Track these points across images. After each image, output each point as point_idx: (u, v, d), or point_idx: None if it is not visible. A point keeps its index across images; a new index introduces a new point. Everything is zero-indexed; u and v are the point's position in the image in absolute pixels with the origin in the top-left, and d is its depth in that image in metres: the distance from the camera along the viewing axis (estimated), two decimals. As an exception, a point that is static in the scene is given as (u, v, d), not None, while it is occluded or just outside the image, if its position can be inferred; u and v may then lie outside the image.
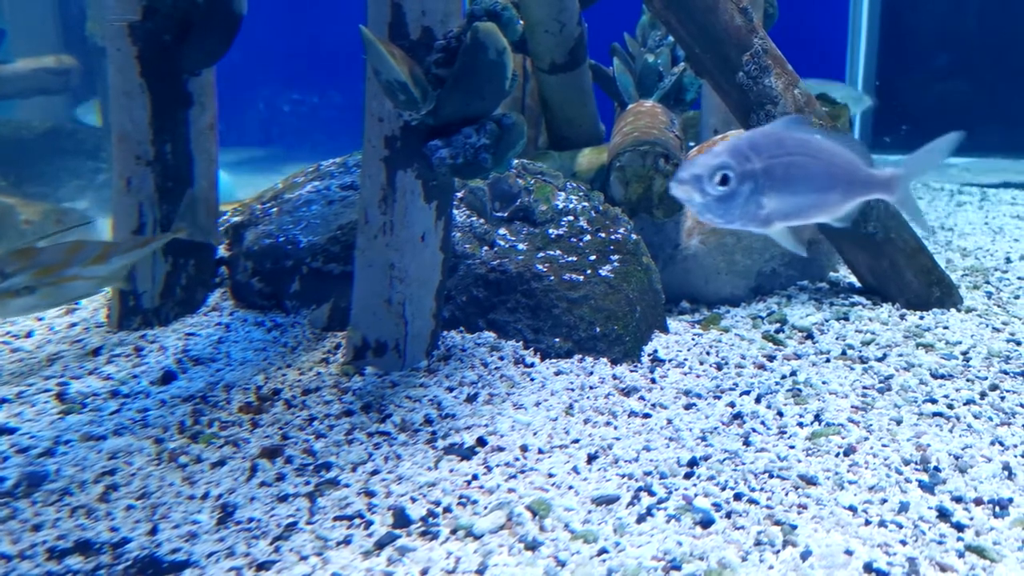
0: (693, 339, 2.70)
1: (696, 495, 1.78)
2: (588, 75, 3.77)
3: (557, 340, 2.46)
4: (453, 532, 1.65)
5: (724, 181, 1.57)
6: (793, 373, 2.44)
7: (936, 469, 1.90)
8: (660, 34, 3.97)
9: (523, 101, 3.86)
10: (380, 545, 1.61)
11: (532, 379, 2.31)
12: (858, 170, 1.76)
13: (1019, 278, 3.50)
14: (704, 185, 1.58)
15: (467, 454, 1.94)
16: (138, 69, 2.58)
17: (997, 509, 1.75)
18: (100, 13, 5.17)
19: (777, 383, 2.37)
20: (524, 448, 1.96)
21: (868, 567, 1.54)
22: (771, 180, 1.61)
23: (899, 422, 2.13)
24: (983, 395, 2.30)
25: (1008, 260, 3.82)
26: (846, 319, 2.90)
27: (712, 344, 2.66)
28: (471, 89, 2.09)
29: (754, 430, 2.09)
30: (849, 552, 1.58)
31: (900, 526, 1.68)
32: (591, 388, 2.29)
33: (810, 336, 2.75)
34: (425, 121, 2.14)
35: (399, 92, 2.07)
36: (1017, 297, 3.21)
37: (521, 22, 2.24)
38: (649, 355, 2.54)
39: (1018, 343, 2.69)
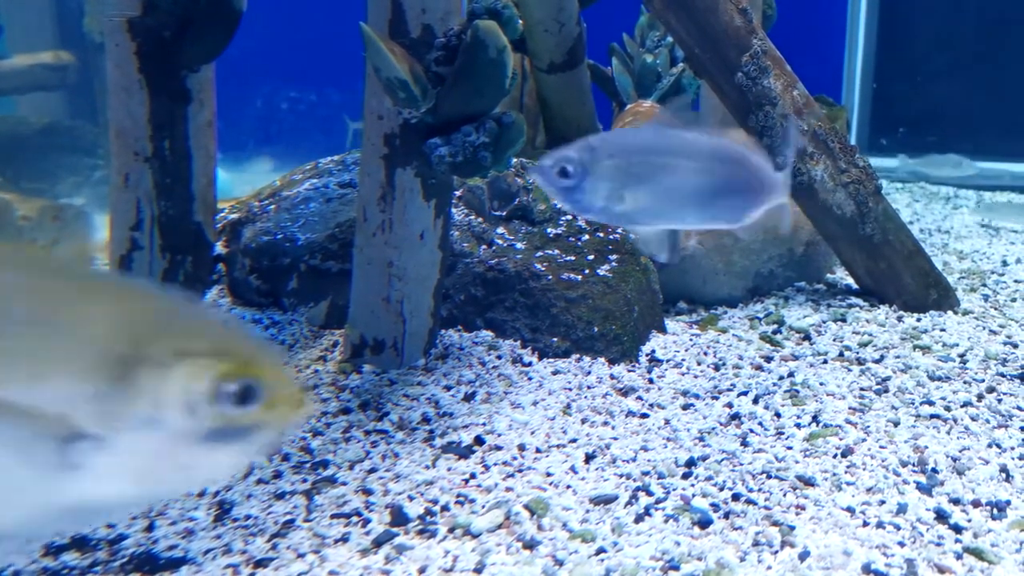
0: (691, 339, 2.70)
1: (694, 495, 1.78)
2: (587, 75, 3.76)
3: (555, 339, 2.46)
4: (451, 530, 1.64)
5: (564, 173, 1.57)
6: (791, 374, 2.44)
7: (934, 471, 1.90)
8: (659, 35, 3.97)
9: (521, 100, 3.86)
10: (378, 543, 1.60)
11: (530, 378, 2.31)
12: (767, 176, 1.69)
13: (1016, 281, 3.50)
14: (547, 175, 1.59)
15: (465, 453, 1.94)
16: (137, 65, 2.57)
17: (995, 511, 1.75)
18: (98, 9, 5.16)
19: (775, 384, 2.37)
20: (522, 447, 1.96)
21: (866, 568, 1.54)
22: (630, 179, 1.58)
23: (896, 424, 2.13)
24: (980, 397, 2.30)
25: (1005, 263, 3.83)
26: (843, 320, 2.90)
27: (710, 345, 2.66)
28: (471, 87, 2.08)
29: (752, 431, 2.09)
30: (847, 553, 1.58)
31: (898, 527, 1.68)
32: (589, 388, 2.29)
33: (807, 337, 2.76)
34: (425, 119, 2.14)
35: (399, 90, 2.07)
36: (1014, 300, 3.22)
37: (521, 21, 2.24)
38: (647, 355, 2.54)
39: (1015, 346, 2.69)
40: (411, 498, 1.75)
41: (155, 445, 0.89)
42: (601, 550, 1.58)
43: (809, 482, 1.84)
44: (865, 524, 1.69)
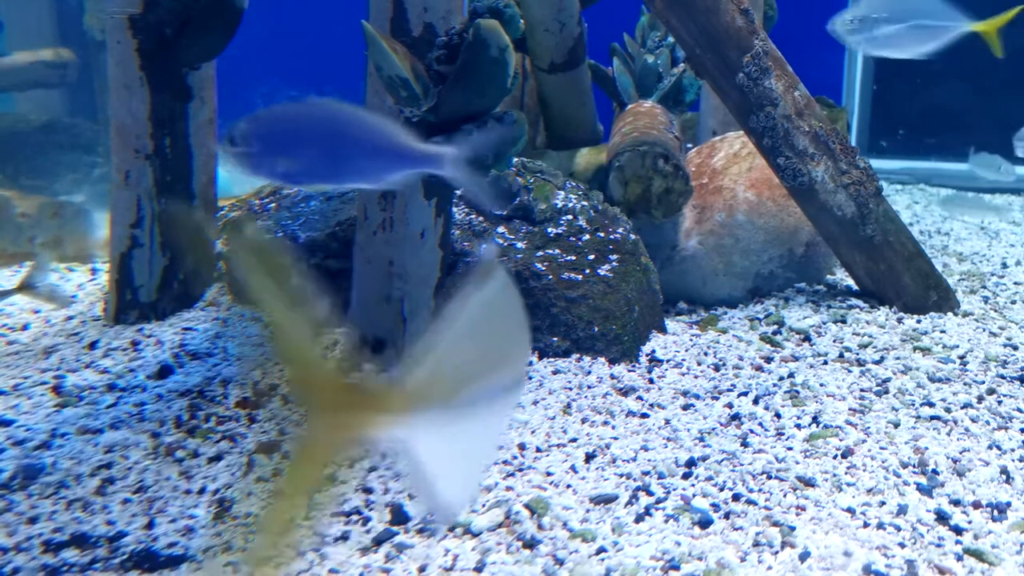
0: (691, 340, 2.70)
1: (694, 495, 1.78)
2: (587, 75, 3.76)
3: (555, 339, 2.46)
4: (451, 529, 1.64)
5: (239, 141, 1.72)
6: (791, 375, 2.44)
7: (934, 472, 1.90)
8: (659, 35, 3.96)
9: (522, 100, 3.85)
10: (378, 542, 1.60)
11: (530, 378, 2.31)
12: (406, 145, 1.80)
13: (1016, 283, 3.50)
14: (227, 144, 1.76)
15: (465, 452, 1.93)
16: (138, 62, 2.57)
17: (995, 513, 1.75)
18: (98, 7, 5.16)
19: (775, 385, 2.37)
20: (522, 447, 1.96)
21: (867, 569, 1.54)
22: (286, 145, 1.73)
23: (897, 425, 2.13)
24: (980, 399, 2.30)
25: (1004, 265, 3.83)
26: (843, 322, 2.90)
27: (710, 345, 2.66)
28: (472, 86, 2.08)
29: (752, 431, 2.09)
30: (848, 554, 1.58)
31: (898, 528, 1.68)
32: (589, 387, 2.29)
33: (807, 338, 2.75)
34: (426, 118, 2.14)
35: (400, 88, 2.07)
36: (1013, 302, 3.22)
37: (522, 20, 2.24)
38: (647, 355, 2.54)
39: (1015, 347, 2.69)
40: (411, 496, 1.75)
41: None
42: (601, 549, 1.58)
43: (809, 483, 1.84)
44: (866, 525, 1.69)
